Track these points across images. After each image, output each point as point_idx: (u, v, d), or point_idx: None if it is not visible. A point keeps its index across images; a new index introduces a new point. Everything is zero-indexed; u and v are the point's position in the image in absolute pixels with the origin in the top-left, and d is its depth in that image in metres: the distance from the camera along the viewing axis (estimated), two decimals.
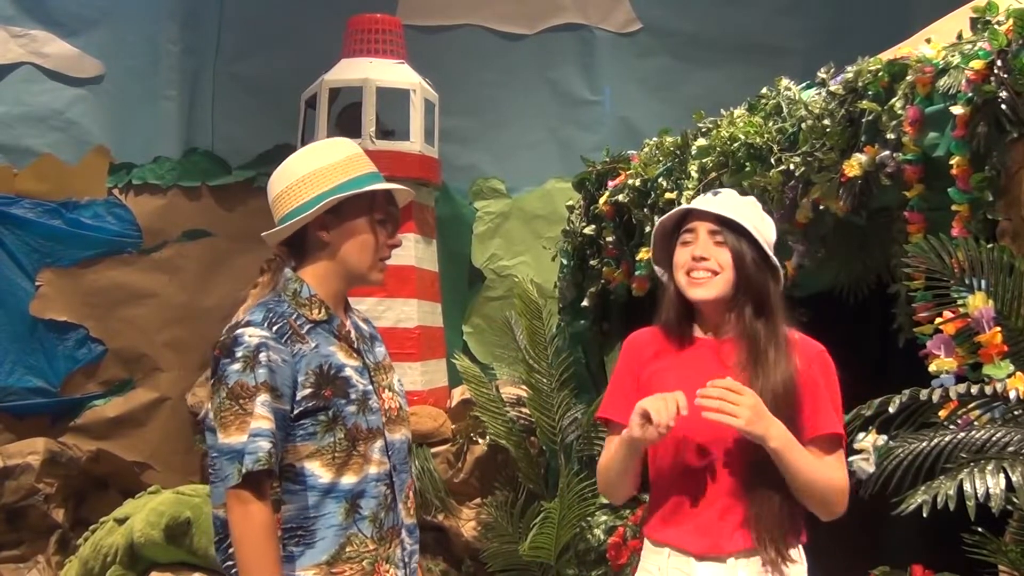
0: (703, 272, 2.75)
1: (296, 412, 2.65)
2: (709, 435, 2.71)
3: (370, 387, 2.80)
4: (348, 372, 2.75)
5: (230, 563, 2.66)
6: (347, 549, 2.69)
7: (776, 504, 2.69)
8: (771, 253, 2.79)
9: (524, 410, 6.39)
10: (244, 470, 2.53)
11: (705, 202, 2.84)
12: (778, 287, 2.81)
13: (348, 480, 2.70)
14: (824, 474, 2.69)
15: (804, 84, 4.56)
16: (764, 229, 2.81)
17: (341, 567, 2.68)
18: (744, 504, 2.70)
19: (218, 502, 2.72)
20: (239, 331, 2.65)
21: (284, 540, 2.65)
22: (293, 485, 2.67)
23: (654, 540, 2.86)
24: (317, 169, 2.79)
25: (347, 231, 2.80)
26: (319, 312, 2.78)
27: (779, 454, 2.62)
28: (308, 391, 2.66)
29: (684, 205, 2.92)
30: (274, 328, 2.67)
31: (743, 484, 2.70)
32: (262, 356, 2.60)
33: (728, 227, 2.76)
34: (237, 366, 2.60)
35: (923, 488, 2.80)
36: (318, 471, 2.67)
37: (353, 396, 2.73)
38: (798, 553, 2.77)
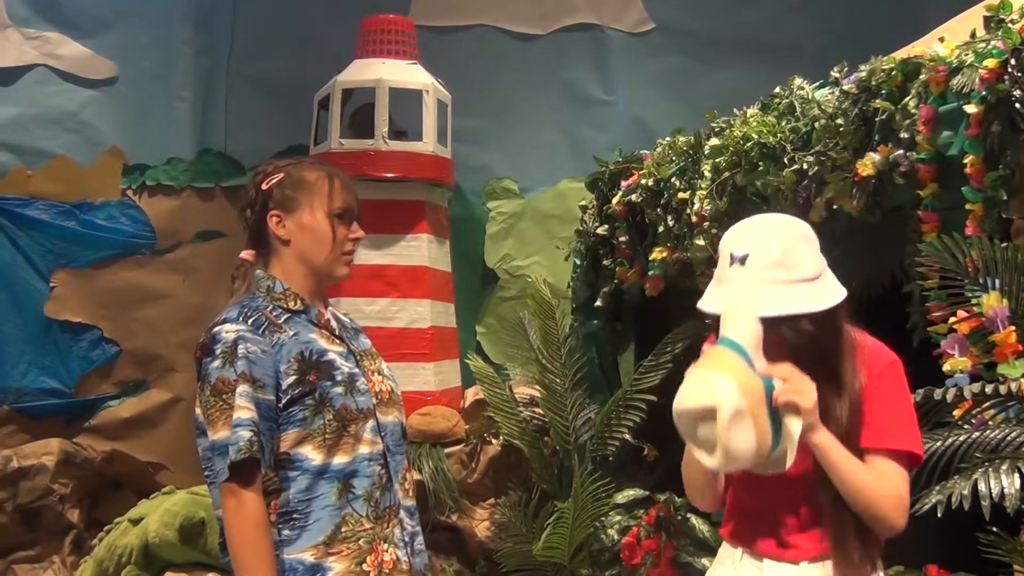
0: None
1: (284, 401, 2.68)
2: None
3: (356, 370, 2.83)
4: (331, 356, 2.79)
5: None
6: (343, 529, 2.71)
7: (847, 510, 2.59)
8: (821, 298, 2.59)
9: (537, 410, 6.39)
10: (229, 460, 2.57)
11: (730, 285, 2.63)
12: (838, 325, 2.64)
13: (339, 460, 2.72)
14: (871, 482, 2.56)
15: (817, 83, 4.56)
16: (807, 268, 2.60)
17: (338, 547, 2.69)
18: (817, 508, 2.65)
19: (219, 503, 2.73)
20: (216, 329, 2.71)
21: (279, 525, 2.67)
22: (290, 472, 2.70)
23: (729, 541, 2.85)
24: None
25: (303, 226, 2.84)
26: (295, 303, 2.82)
27: (822, 450, 2.54)
28: (293, 378, 2.69)
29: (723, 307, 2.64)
30: (250, 321, 2.72)
31: (817, 488, 2.63)
32: (240, 349, 2.64)
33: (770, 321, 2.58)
34: (217, 363, 2.65)
35: (938, 488, 2.79)
36: (310, 454, 2.70)
37: (339, 378, 2.76)
38: (873, 563, 2.68)
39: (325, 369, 2.74)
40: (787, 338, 2.57)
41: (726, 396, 2.40)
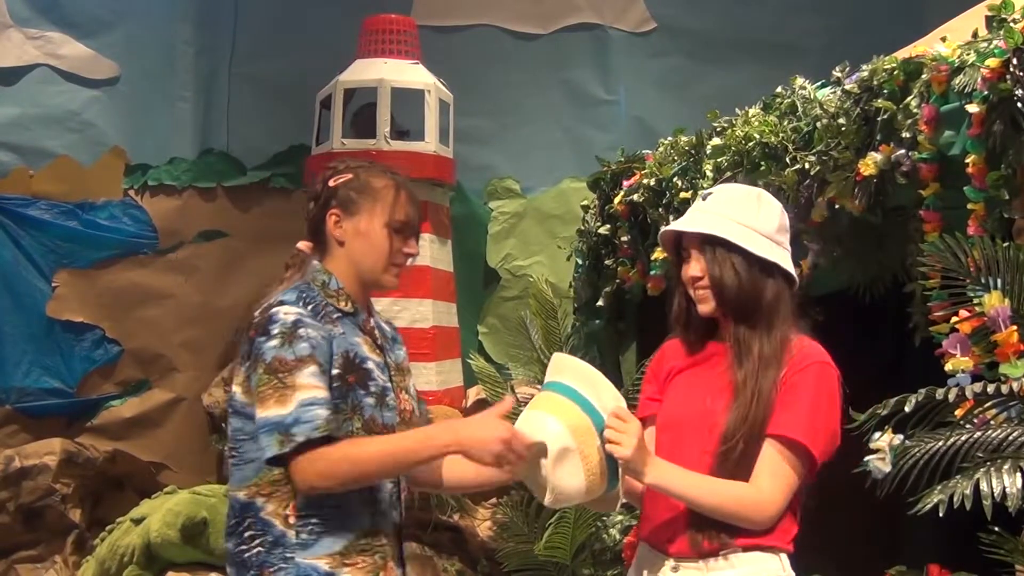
0: (701, 290, 2.71)
1: None
2: (677, 434, 2.73)
3: (388, 384, 2.80)
4: (370, 365, 2.75)
5: (243, 547, 2.65)
6: (361, 541, 2.69)
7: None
8: (764, 251, 2.66)
9: None
10: (302, 438, 2.51)
11: (688, 215, 2.77)
12: (775, 287, 2.68)
13: None
14: (717, 493, 2.57)
15: (819, 83, 4.55)
16: (759, 222, 2.69)
17: (354, 559, 2.67)
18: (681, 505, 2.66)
19: (238, 484, 2.71)
20: (273, 310, 2.65)
21: (298, 528, 2.64)
22: None
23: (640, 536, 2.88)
24: None
25: (359, 231, 2.82)
26: (346, 304, 2.79)
27: (659, 487, 2.58)
28: (337, 372, 2.66)
29: (670, 225, 2.84)
30: (309, 307, 2.68)
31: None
32: (301, 331, 2.60)
33: (705, 242, 2.68)
34: (274, 342, 2.59)
35: (939, 488, 2.79)
36: None
37: (372, 388, 2.72)
38: (743, 558, 2.63)
39: (362, 376, 2.72)
40: (723, 280, 2.64)
41: (553, 435, 2.52)
